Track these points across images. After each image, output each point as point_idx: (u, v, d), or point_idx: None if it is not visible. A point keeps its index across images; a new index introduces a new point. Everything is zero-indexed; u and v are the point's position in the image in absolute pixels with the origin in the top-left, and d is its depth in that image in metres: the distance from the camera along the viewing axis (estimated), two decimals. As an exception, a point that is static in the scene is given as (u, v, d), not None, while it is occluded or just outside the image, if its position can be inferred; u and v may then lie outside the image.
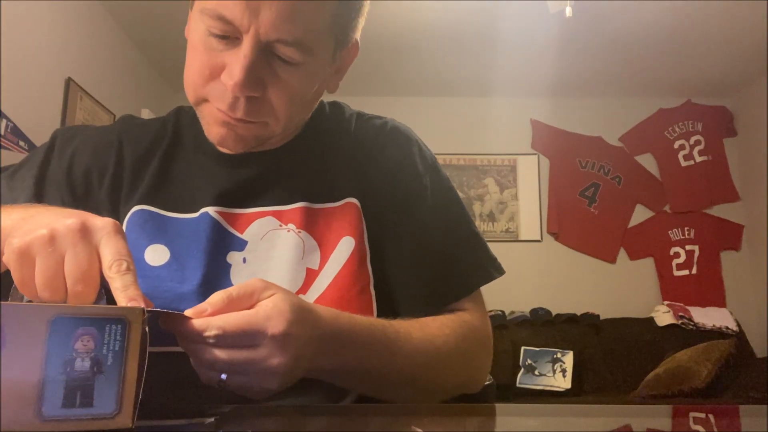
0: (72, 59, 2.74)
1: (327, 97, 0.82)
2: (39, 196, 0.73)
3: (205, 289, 0.66)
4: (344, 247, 0.69)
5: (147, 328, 0.40)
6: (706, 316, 3.47)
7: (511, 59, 3.56)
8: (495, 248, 0.79)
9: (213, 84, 0.64)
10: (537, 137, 4.05)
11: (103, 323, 0.38)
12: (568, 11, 2.60)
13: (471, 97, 4.05)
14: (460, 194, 0.82)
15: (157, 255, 0.69)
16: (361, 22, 0.72)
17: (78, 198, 0.74)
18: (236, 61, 0.61)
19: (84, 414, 0.37)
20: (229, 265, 0.69)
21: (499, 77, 3.80)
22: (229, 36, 0.61)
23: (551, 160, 4.03)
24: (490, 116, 4.03)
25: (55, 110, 2.63)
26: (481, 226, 3.90)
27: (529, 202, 3.98)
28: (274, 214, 0.71)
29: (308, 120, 0.78)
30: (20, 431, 0.35)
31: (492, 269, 0.76)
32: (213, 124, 0.66)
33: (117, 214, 0.73)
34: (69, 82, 2.69)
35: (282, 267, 0.68)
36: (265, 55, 0.62)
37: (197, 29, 0.64)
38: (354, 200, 0.72)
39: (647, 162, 4.03)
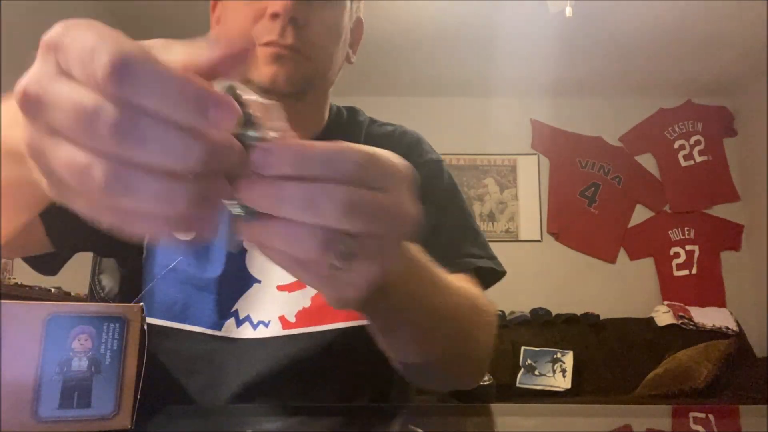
0: (72, 59, 2.74)
1: (342, 101, 0.86)
2: None
3: (225, 271, 0.68)
4: None
5: (145, 325, 0.40)
6: (706, 316, 3.47)
7: (511, 59, 3.56)
8: (495, 248, 0.79)
9: (259, 26, 0.68)
10: (537, 137, 4.05)
11: (101, 322, 0.38)
12: (568, 11, 2.60)
13: (471, 97, 4.05)
14: (460, 194, 0.83)
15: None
16: None
17: None
18: None
19: (81, 415, 0.36)
20: (245, 250, 0.71)
21: (499, 77, 3.79)
22: None
23: (551, 160, 4.03)
24: (490, 116, 4.03)
25: (55, 110, 2.63)
26: (481, 226, 3.87)
27: (529, 202, 3.97)
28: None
29: (327, 123, 0.81)
30: None
31: (491, 263, 0.76)
32: (264, 66, 0.69)
33: None
34: (68, 81, 2.69)
35: None
36: None
37: None
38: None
39: (647, 162, 4.03)
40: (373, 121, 0.85)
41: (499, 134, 4.02)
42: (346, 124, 0.83)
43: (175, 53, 0.29)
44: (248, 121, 0.30)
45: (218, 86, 0.29)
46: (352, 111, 0.86)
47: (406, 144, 0.81)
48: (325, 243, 0.31)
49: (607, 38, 3.32)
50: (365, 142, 0.79)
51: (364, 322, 0.60)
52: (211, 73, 0.29)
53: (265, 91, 0.70)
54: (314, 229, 0.31)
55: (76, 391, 0.36)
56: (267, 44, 0.68)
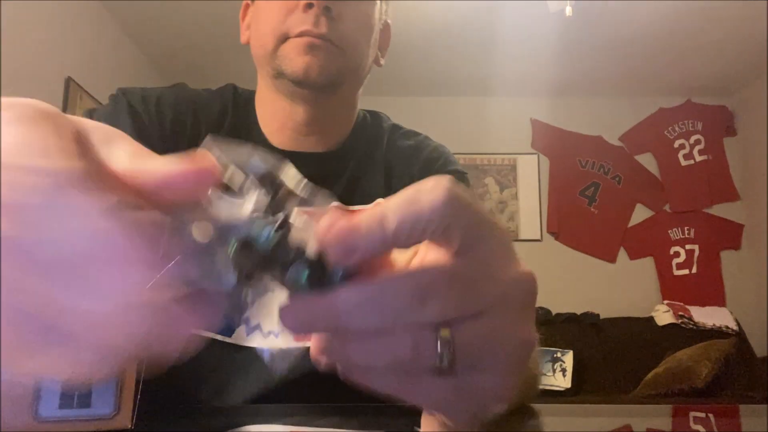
0: (72, 59, 2.73)
1: (366, 105, 0.87)
2: None
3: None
4: None
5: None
6: (706, 316, 3.47)
7: (511, 59, 3.56)
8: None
9: (292, 17, 0.70)
10: (537, 137, 4.05)
11: (101, 323, 0.38)
12: (568, 11, 2.60)
13: (471, 97, 4.05)
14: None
15: (203, 230, 0.70)
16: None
17: (168, 143, 0.72)
18: None
19: (82, 415, 0.36)
20: None
21: (499, 77, 3.79)
22: None
23: (551, 159, 4.02)
24: (490, 116, 4.03)
25: (55, 110, 2.63)
26: (481, 225, 3.90)
27: (529, 202, 3.97)
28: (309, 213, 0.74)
29: (352, 131, 0.82)
30: (17, 432, 0.35)
31: None
32: (298, 56, 0.70)
33: None
34: (69, 81, 2.69)
35: None
36: None
37: None
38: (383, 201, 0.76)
39: (647, 162, 4.02)
40: (396, 129, 0.85)
41: (499, 134, 4.01)
42: (370, 131, 0.83)
43: (116, 154, 0.22)
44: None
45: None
46: (376, 117, 0.86)
47: (428, 156, 0.81)
48: (415, 344, 0.22)
49: (607, 38, 3.31)
50: (385, 154, 0.80)
51: None
52: (157, 192, 0.22)
53: (298, 83, 0.71)
54: (401, 332, 0.22)
55: (76, 391, 0.36)
56: (300, 34, 0.69)
